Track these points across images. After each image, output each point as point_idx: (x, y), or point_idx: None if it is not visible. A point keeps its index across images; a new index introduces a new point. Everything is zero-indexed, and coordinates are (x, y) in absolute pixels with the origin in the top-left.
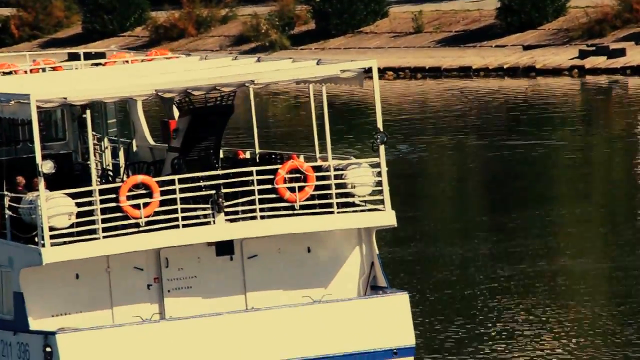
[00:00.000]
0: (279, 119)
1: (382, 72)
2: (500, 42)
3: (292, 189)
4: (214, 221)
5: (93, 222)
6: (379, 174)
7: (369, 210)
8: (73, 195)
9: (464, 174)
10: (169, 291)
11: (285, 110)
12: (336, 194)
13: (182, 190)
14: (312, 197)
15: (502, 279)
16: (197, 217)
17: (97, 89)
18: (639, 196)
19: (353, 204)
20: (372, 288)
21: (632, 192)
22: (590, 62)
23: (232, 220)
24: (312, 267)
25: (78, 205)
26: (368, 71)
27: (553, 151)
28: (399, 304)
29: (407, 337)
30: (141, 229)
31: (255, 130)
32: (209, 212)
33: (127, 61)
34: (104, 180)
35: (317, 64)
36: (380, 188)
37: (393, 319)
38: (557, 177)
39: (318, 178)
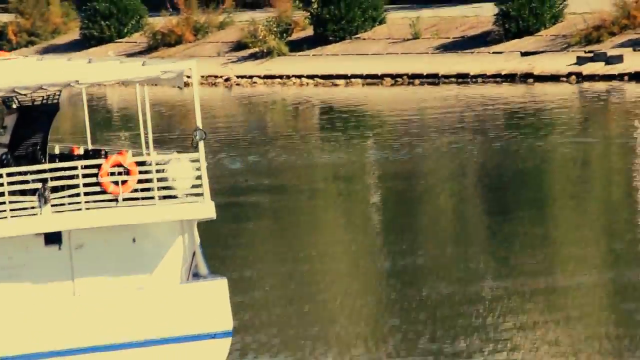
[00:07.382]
0: (273, 122)
1: (380, 78)
2: (497, 48)
3: (115, 182)
4: (40, 212)
5: None
6: (199, 169)
7: (189, 203)
8: None
9: (461, 177)
10: None
11: (283, 114)
12: (158, 187)
13: (9, 183)
14: (136, 191)
15: (496, 286)
16: (24, 208)
17: None
18: (638, 202)
19: (175, 197)
20: (194, 276)
21: (631, 199)
22: (588, 68)
23: (58, 212)
24: (137, 257)
25: None
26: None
27: (551, 157)
28: (217, 289)
29: (225, 321)
30: None
31: (87, 127)
32: (36, 204)
33: None
34: None
35: (143, 65)
36: (200, 182)
37: (211, 303)
38: (554, 182)
39: (141, 172)
